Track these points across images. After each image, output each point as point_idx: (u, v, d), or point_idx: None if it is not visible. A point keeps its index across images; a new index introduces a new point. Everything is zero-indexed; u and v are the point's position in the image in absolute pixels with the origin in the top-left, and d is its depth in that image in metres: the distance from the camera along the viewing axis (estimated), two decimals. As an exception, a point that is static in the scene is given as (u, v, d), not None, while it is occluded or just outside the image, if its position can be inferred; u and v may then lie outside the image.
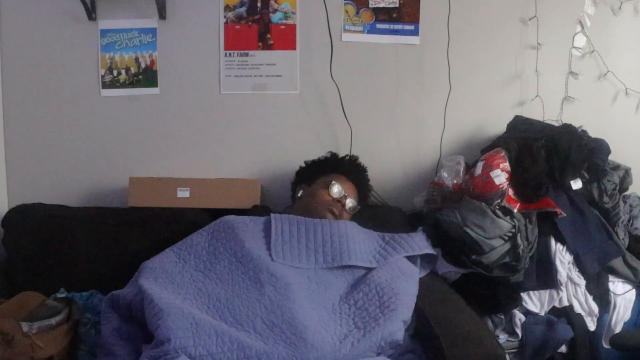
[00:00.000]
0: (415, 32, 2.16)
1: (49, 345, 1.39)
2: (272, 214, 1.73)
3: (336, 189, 1.84)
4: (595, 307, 1.83)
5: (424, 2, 2.14)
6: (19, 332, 1.36)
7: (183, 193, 2.00)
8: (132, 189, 2.01)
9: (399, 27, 2.15)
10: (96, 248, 1.87)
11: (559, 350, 1.77)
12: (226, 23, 2.13)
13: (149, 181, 2.02)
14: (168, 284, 1.52)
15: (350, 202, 1.86)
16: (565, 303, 1.81)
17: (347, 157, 2.02)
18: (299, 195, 1.92)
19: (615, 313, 1.85)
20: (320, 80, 2.15)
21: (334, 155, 2.02)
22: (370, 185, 2.05)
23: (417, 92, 2.19)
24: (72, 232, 1.89)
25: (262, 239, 1.64)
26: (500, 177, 1.82)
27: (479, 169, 1.86)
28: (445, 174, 1.97)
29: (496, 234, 1.74)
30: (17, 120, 2.12)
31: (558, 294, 1.80)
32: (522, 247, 1.74)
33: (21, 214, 1.93)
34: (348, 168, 1.97)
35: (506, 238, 1.76)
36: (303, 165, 2.02)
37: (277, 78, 2.15)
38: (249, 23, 2.13)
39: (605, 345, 1.82)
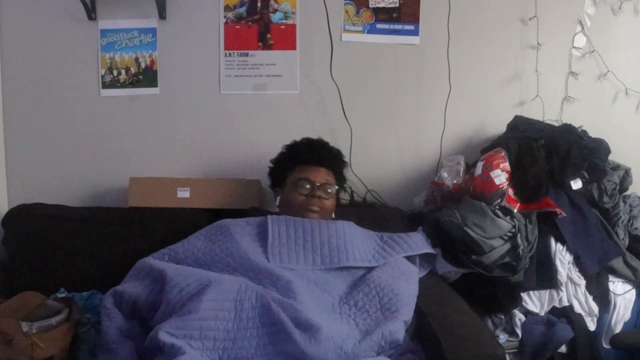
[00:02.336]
0: (415, 32, 2.16)
1: (49, 345, 1.39)
2: (268, 216, 1.70)
3: (303, 185, 1.73)
4: (595, 307, 1.83)
5: (424, 2, 2.14)
6: (19, 332, 1.36)
7: (183, 193, 2.00)
8: (132, 189, 2.01)
9: (399, 27, 2.15)
10: (96, 248, 1.87)
11: (559, 350, 1.77)
12: (226, 23, 2.13)
13: (149, 181, 2.02)
14: None
15: (324, 191, 1.74)
16: (565, 303, 1.81)
17: (304, 141, 1.88)
18: (277, 203, 1.83)
19: (615, 313, 1.85)
20: (320, 80, 2.15)
21: (291, 147, 1.89)
22: (345, 161, 1.92)
23: (417, 92, 2.19)
24: (72, 232, 1.89)
25: (258, 242, 1.62)
26: (500, 177, 1.82)
27: (479, 169, 1.86)
28: (445, 174, 1.97)
29: (496, 234, 1.74)
30: (17, 120, 2.12)
31: (558, 294, 1.80)
32: (522, 247, 1.74)
33: (21, 214, 1.93)
34: (309, 154, 1.83)
35: (506, 238, 1.76)
36: (270, 165, 1.92)
37: (277, 78, 2.15)
38: (249, 23, 2.13)
39: (605, 345, 1.82)
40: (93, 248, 1.87)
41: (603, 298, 1.85)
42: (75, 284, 1.77)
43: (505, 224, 1.75)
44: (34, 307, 1.50)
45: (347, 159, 2.15)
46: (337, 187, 1.82)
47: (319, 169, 1.78)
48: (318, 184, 1.74)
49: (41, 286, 1.68)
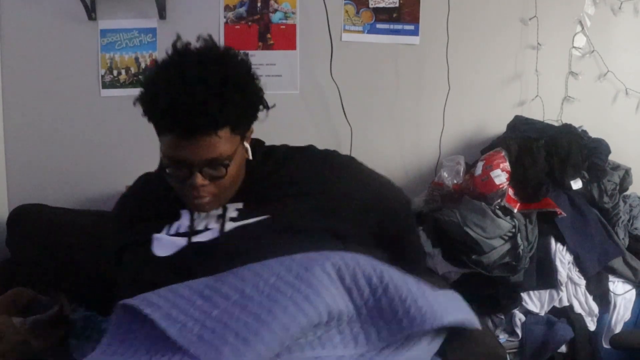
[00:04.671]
0: (415, 32, 2.16)
1: (41, 340, 1.40)
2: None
3: (176, 168, 1.11)
4: (595, 307, 1.83)
5: (424, 2, 2.14)
6: (11, 327, 1.37)
7: (183, 193, 1.99)
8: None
9: (399, 27, 2.15)
10: (97, 249, 1.86)
11: (559, 350, 1.77)
12: (226, 23, 2.13)
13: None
14: None
15: (211, 170, 1.10)
16: (565, 303, 1.82)
17: (163, 90, 1.05)
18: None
19: (615, 313, 1.85)
20: (320, 80, 2.15)
21: (145, 98, 1.11)
22: (256, 83, 1.18)
23: (417, 92, 2.19)
24: (75, 233, 1.88)
25: None
26: (500, 177, 1.82)
27: (479, 169, 1.87)
28: (445, 174, 1.98)
29: (496, 233, 1.74)
30: (17, 120, 2.11)
31: (558, 294, 1.80)
32: (522, 247, 1.74)
33: (25, 214, 1.92)
34: (174, 122, 1.05)
35: (506, 238, 1.76)
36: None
37: (277, 78, 2.15)
38: (249, 23, 2.13)
39: (605, 345, 1.82)
40: (95, 249, 1.86)
41: (603, 298, 1.85)
42: (77, 285, 1.77)
43: (505, 224, 1.75)
44: (25, 302, 1.51)
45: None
46: (238, 136, 1.14)
47: (195, 141, 1.06)
48: (198, 166, 1.09)
49: (43, 286, 1.68)
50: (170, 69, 1.09)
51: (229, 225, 1.14)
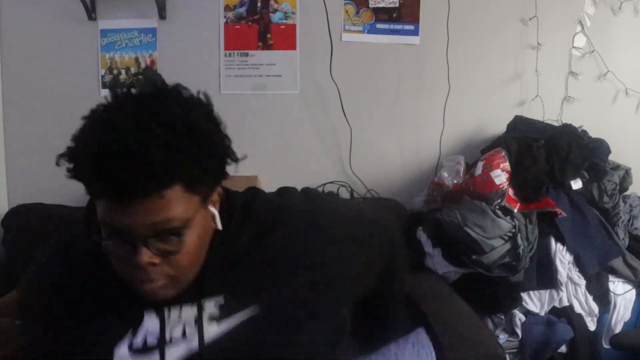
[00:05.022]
0: (415, 32, 2.16)
1: None
2: None
3: (116, 244, 0.85)
4: (595, 307, 1.83)
5: (424, 2, 2.14)
6: (16, 330, 1.37)
7: (183, 193, 1.99)
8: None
9: (399, 27, 2.15)
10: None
11: (559, 350, 1.77)
12: (226, 23, 2.13)
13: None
14: None
15: (161, 243, 0.83)
16: (565, 303, 1.81)
17: (90, 151, 0.85)
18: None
19: (615, 313, 1.85)
20: (320, 80, 2.15)
21: (72, 158, 0.91)
22: (219, 130, 0.98)
23: (416, 92, 2.19)
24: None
25: None
26: (500, 177, 1.82)
27: (479, 169, 1.87)
28: (445, 174, 1.98)
29: (496, 234, 1.74)
30: (17, 120, 2.11)
31: (558, 294, 1.80)
32: (522, 247, 1.74)
33: (21, 214, 1.92)
34: (105, 187, 0.83)
35: (506, 238, 1.76)
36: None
37: (277, 78, 2.15)
38: (249, 23, 2.13)
39: (605, 345, 1.82)
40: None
41: (603, 298, 1.85)
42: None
43: (505, 224, 1.75)
44: None
45: (347, 159, 2.17)
46: (196, 196, 0.87)
47: (135, 205, 0.81)
48: (142, 237, 0.83)
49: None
50: (102, 115, 0.88)
51: (211, 331, 0.90)
